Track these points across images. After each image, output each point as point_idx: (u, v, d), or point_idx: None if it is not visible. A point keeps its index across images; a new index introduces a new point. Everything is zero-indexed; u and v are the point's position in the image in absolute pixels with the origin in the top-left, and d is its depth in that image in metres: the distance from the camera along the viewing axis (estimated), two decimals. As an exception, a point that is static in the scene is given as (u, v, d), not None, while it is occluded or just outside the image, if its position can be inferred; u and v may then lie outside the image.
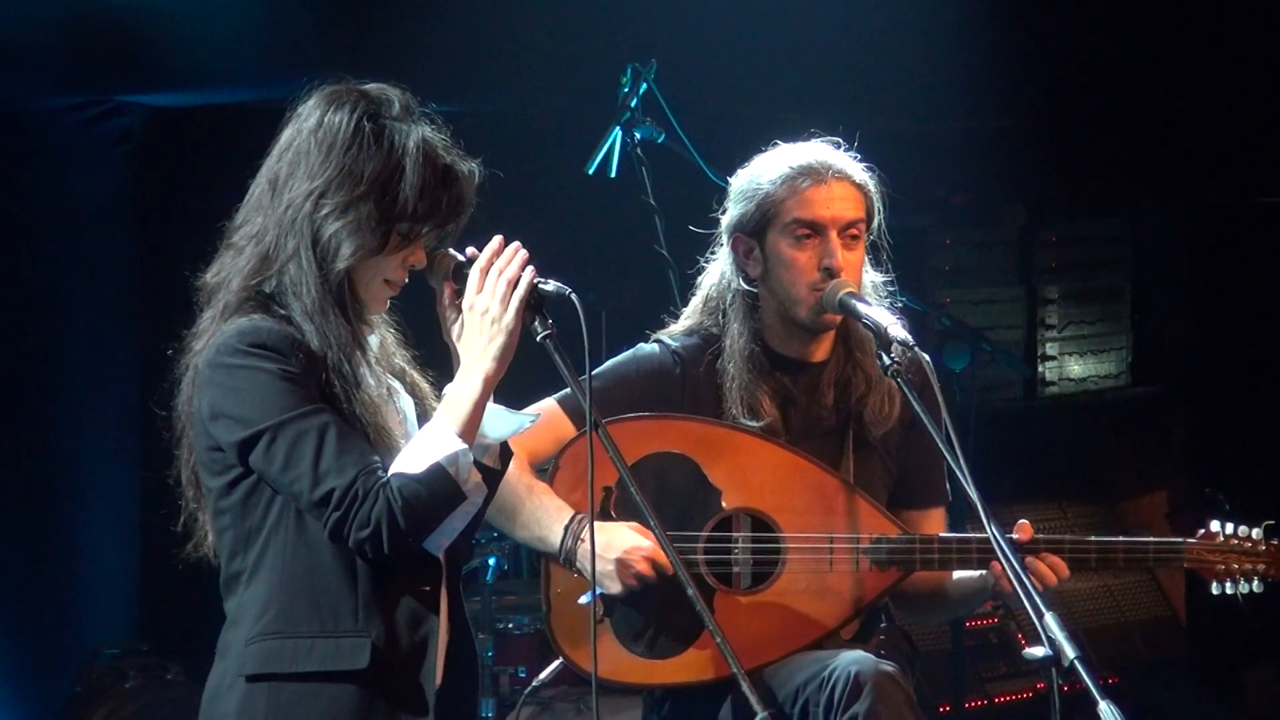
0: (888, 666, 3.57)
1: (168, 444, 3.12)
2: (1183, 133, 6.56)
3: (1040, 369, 7.02)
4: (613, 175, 5.27)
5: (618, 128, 5.24)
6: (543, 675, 4.24)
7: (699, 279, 3.98)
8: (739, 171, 3.90)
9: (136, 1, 5.54)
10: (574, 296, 3.02)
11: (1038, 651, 3.01)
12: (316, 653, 2.95)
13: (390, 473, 2.92)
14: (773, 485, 3.77)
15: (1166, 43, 6.24)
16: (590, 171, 5.27)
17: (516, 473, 3.63)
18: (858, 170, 3.83)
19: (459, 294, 3.06)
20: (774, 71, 6.15)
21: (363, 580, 2.97)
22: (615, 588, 3.65)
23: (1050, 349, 7.06)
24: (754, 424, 3.79)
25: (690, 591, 3.05)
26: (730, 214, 3.88)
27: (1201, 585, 3.89)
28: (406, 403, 3.15)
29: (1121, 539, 3.82)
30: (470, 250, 3.07)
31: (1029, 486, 6.73)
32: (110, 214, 6.40)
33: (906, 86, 6.13)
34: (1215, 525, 3.86)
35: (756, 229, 3.83)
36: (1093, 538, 3.80)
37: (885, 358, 3.60)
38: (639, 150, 5.22)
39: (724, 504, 3.77)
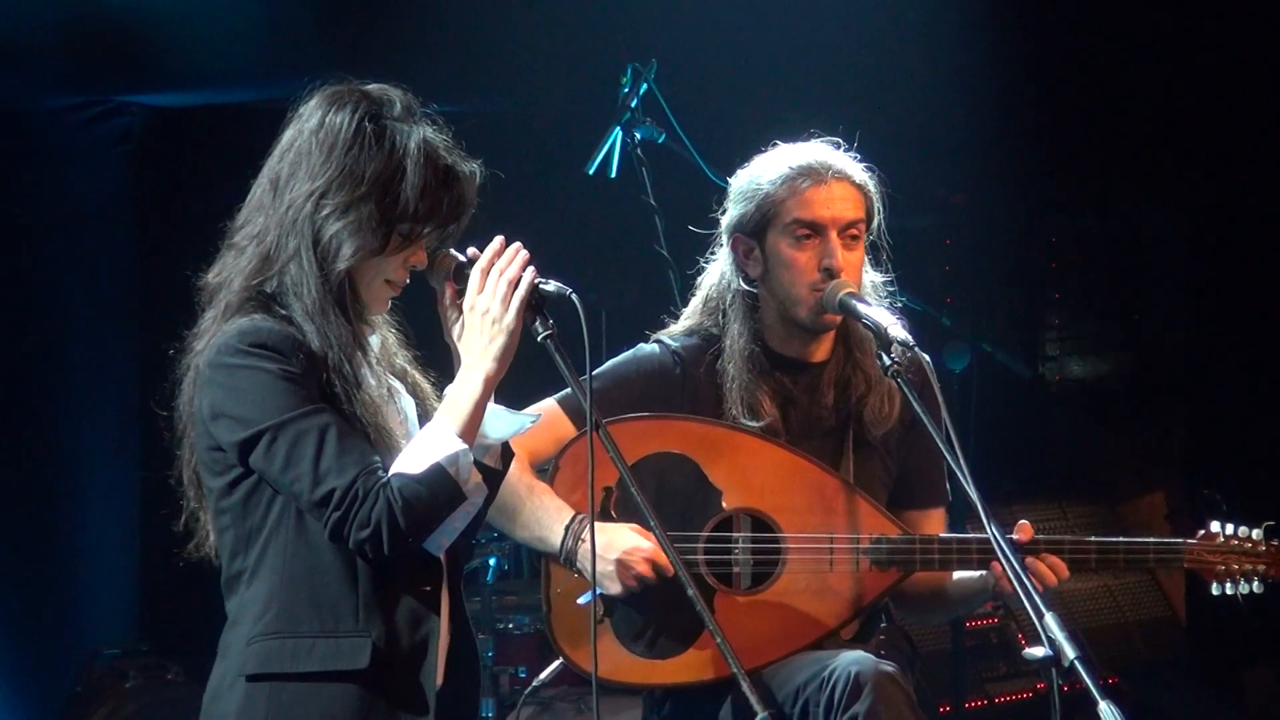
0: (888, 666, 3.57)
1: (168, 444, 3.12)
2: (1183, 133, 6.56)
3: (1040, 369, 7.02)
4: (613, 175, 5.27)
5: (618, 128, 5.24)
6: (543, 675, 4.24)
7: (699, 279, 3.98)
8: (739, 171, 3.90)
9: (136, 1, 5.54)
10: (574, 297, 3.02)
11: (1038, 651, 3.01)
12: (317, 652, 2.95)
13: (390, 473, 2.92)
14: (773, 485, 3.77)
15: (1166, 43, 6.25)
16: (590, 171, 5.28)
17: (517, 473, 3.63)
18: (858, 170, 3.83)
19: (460, 294, 3.06)
20: (774, 71, 6.15)
21: (363, 580, 2.97)
22: (615, 588, 3.65)
23: (1050, 349, 7.07)
24: (754, 424, 3.79)
25: (690, 591, 3.05)
26: (730, 214, 3.88)
27: (1201, 585, 3.89)
28: (408, 403, 3.15)
29: (1121, 539, 3.82)
30: (471, 250, 3.08)
31: (1029, 486, 6.73)
32: (110, 214, 6.40)
33: (906, 86, 6.13)
34: (1215, 526, 3.86)
35: (756, 229, 3.83)
36: (1093, 538, 3.80)
37: (885, 358, 3.60)
38: (639, 150, 5.22)
39: (724, 504, 3.77)
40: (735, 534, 3.77)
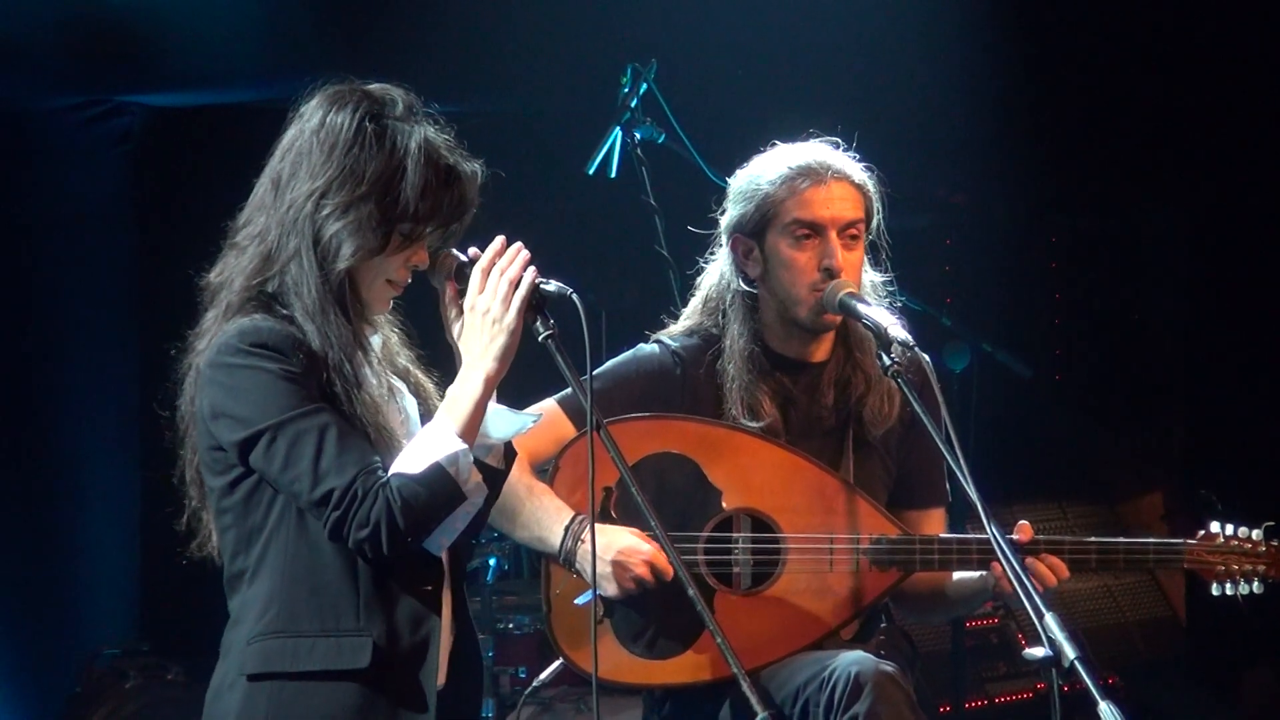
0: (888, 666, 3.57)
1: (168, 444, 3.12)
2: (1183, 133, 6.56)
3: (1040, 369, 7.01)
4: (613, 175, 5.27)
5: (618, 128, 5.24)
6: (543, 675, 4.24)
7: (699, 279, 3.98)
8: (738, 172, 3.90)
9: (136, 1, 5.54)
10: (575, 297, 3.02)
11: (1038, 652, 3.01)
12: (317, 652, 2.95)
13: (390, 473, 2.92)
14: (773, 485, 3.77)
15: (1166, 43, 6.25)
16: (590, 171, 5.28)
17: (517, 473, 3.62)
18: (857, 170, 3.83)
19: (461, 294, 3.06)
20: (774, 71, 6.15)
21: (364, 579, 2.97)
22: (612, 590, 3.65)
23: (1050, 349, 7.06)
24: (754, 424, 3.79)
25: (691, 592, 3.05)
26: (730, 214, 3.88)
27: (1201, 586, 3.89)
28: (410, 403, 3.15)
29: (1122, 540, 3.82)
30: (472, 250, 3.08)
31: (1029, 486, 6.73)
32: (110, 214, 6.41)
33: (906, 86, 6.13)
34: (1215, 526, 3.86)
35: (756, 229, 3.83)
36: (1093, 538, 3.80)
37: (885, 358, 3.60)
38: (639, 150, 5.22)
39: (724, 504, 3.77)
40: (735, 534, 3.77)
